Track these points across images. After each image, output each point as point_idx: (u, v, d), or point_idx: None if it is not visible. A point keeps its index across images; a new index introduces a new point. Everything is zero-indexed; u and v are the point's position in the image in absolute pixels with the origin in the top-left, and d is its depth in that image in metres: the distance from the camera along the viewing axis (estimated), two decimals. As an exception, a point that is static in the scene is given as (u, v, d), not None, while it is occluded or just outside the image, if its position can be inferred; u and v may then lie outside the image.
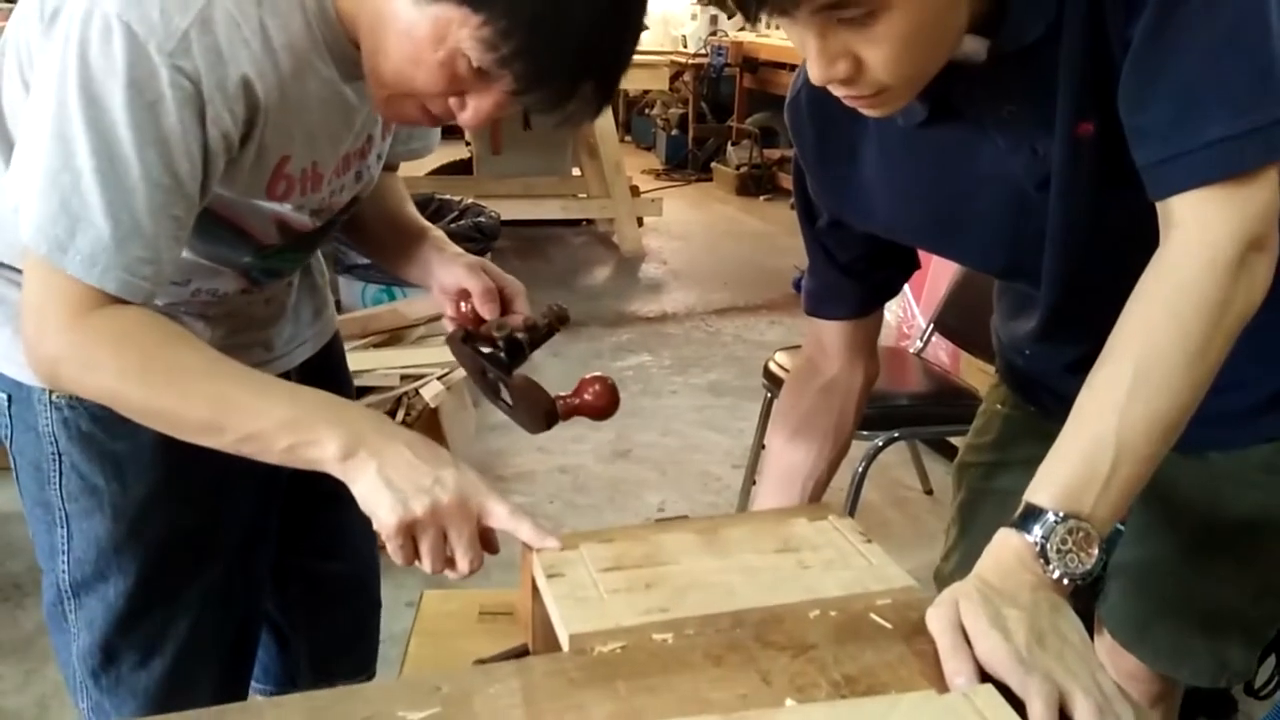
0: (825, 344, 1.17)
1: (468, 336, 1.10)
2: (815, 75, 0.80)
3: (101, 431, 1.05)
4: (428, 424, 2.54)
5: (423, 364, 2.66)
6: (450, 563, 0.89)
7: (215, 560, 1.15)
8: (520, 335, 1.08)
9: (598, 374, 1.10)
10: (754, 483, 2.74)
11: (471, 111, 0.91)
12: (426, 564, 0.88)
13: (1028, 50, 0.84)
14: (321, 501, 1.09)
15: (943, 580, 1.29)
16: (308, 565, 1.32)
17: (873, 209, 1.03)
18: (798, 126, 1.04)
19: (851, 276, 1.13)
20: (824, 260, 1.13)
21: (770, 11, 0.75)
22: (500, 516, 0.89)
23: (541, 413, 1.07)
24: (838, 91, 0.82)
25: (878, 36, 0.76)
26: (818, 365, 1.18)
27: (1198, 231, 0.79)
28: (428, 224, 1.25)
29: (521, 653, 0.91)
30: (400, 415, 2.49)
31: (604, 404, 1.09)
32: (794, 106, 1.04)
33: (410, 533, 0.86)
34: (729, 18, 7.75)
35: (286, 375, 1.16)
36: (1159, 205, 0.81)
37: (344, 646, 1.38)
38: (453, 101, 0.91)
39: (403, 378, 2.49)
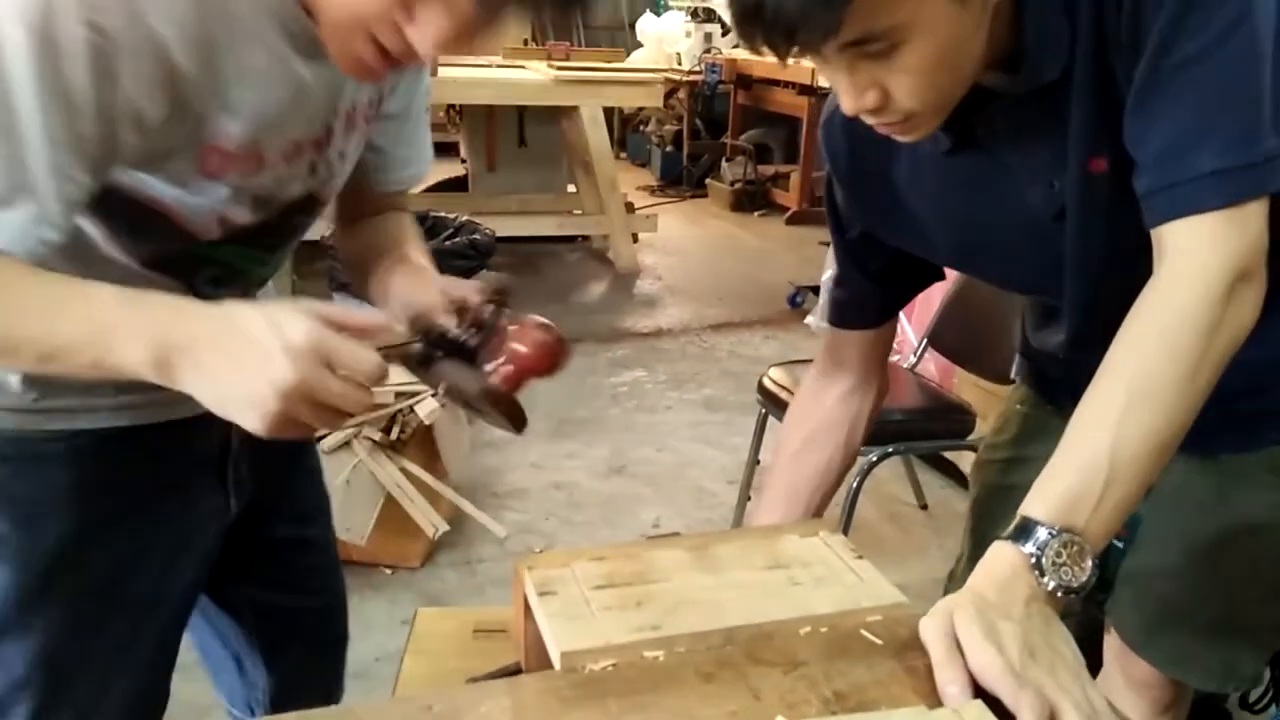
0: (844, 356, 1.20)
1: (425, 357, 0.95)
2: (847, 107, 0.85)
3: (3, 473, 0.96)
4: (422, 441, 2.54)
5: (418, 381, 2.65)
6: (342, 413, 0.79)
7: (124, 617, 1.05)
8: (458, 333, 0.93)
9: (533, 320, 0.92)
10: (749, 498, 2.74)
11: (428, 30, 0.81)
12: (325, 427, 0.81)
13: (1045, 89, 0.87)
14: (288, 536, 1.04)
15: (956, 582, 1.30)
16: (273, 601, 1.27)
17: (902, 227, 1.07)
18: (831, 145, 1.09)
19: (881, 283, 1.17)
20: (855, 270, 1.17)
21: (800, 52, 0.80)
22: (351, 359, 0.77)
23: (488, 405, 0.91)
24: (869, 120, 0.87)
25: (901, 67, 0.81)
26: (834, 377, 1.21)
27: (1189, 259, 0.82)
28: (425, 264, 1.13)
29: (514, 671, 0.91)
30: (395, 433, 2.49)
31: (541, 356, 0.91)
32: (828, 126, 1.09)
33: (289, 418, 0.76)
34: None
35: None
36: (1153, 233, 0.84)
37: (308, 681, 1.33)
38: (402, 21, 0.82)
39: (397, 395, 2.48)
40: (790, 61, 0.82)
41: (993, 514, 1.28)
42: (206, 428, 0.93)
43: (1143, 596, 1.14)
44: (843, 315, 1.20)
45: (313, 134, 0.96)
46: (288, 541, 1.19)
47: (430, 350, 0.93)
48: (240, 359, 0.75)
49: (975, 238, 1.03)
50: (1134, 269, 0.87)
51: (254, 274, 1.07)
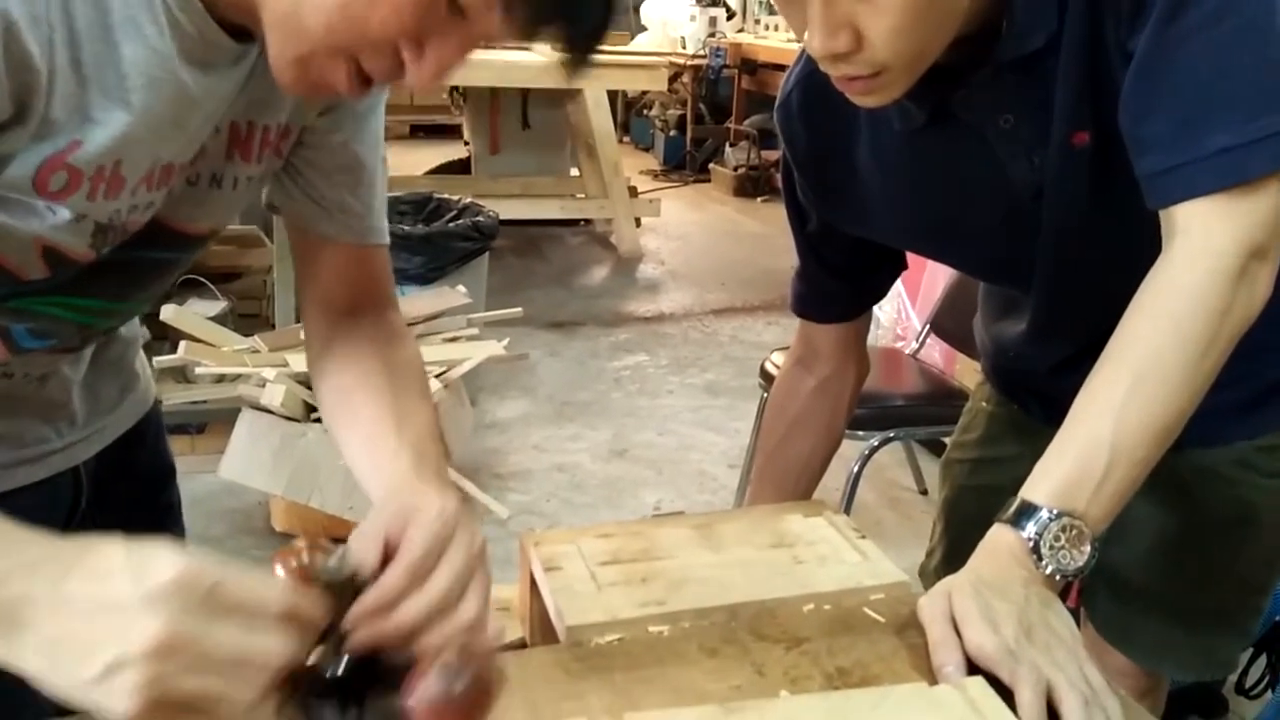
0: (817, 345, 1.18)
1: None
2: (815, 46, 0.78)
3: None
4: (425, 422, 2.55)
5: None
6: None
7: None
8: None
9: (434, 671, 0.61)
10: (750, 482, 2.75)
11: (433, 64, 0.68)
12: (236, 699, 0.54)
13: (1028, 60, 0.84)
14: None
15: (926, 576, 1.30)
16: None
17: (863, 212, 1.03)
18: (788, 128, 1.04)
19: (842, 279, 1.14)
20: (815, 263, 1.13)
21: None
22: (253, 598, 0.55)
23: None
24: (835, 72, 0.81)
25: (882, 5, 0.75)
26: (809, 366, 1.19)
27: (1201, 239, 0.80)
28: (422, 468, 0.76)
29: (518, 646, 0.92)
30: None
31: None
32: (784, 108, 1.04)
33: (166, 695, 0.53)
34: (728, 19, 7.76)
35: (75, 470, 0.94)
36: (1162, 213, 0.82)
37: None
38: (406, 52, 0.68)
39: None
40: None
41: (963, 516, 1.27)
42: (47, 496, 0.89)
43: (1115, 589, 1.14)
44: (805, 308, 1.17)
45: (186, 156, 0.78)
46: None
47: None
48: (88, 620, 0.53)
49: (946, 220, 0.99)
50: (1110, 249, 0.85)
51: (96, 325, 0.87)
